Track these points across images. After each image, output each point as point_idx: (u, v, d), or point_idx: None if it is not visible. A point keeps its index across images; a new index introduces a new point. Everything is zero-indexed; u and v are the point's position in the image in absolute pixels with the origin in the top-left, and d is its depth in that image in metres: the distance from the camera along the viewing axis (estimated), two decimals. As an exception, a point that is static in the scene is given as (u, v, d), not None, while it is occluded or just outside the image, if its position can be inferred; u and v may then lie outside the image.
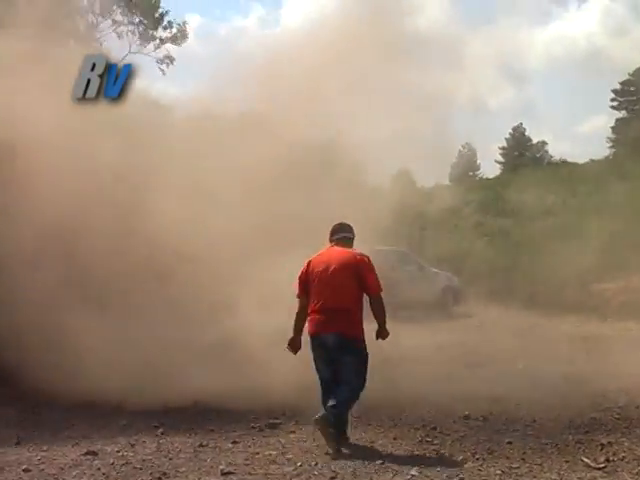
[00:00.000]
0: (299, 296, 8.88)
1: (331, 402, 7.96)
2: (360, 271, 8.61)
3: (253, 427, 8.66)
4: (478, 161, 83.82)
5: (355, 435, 8.21)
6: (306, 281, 8.83)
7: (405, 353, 13.65)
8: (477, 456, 7.39)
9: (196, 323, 15.08)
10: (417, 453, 7.50)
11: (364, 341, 8.46)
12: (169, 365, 11.89)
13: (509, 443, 7.88)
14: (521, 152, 77.43)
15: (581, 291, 26.05)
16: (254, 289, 18.07)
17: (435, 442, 7.98)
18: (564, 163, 56.18)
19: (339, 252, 8.85)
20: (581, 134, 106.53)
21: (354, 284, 8.57)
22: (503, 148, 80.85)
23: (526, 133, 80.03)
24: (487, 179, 60.07)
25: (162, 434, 8.37)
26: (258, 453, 7.56)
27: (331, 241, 9.10)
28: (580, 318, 23.52)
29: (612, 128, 73.57)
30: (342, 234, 9.06)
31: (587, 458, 7.25)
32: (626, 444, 7.81)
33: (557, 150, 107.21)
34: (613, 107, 74.54)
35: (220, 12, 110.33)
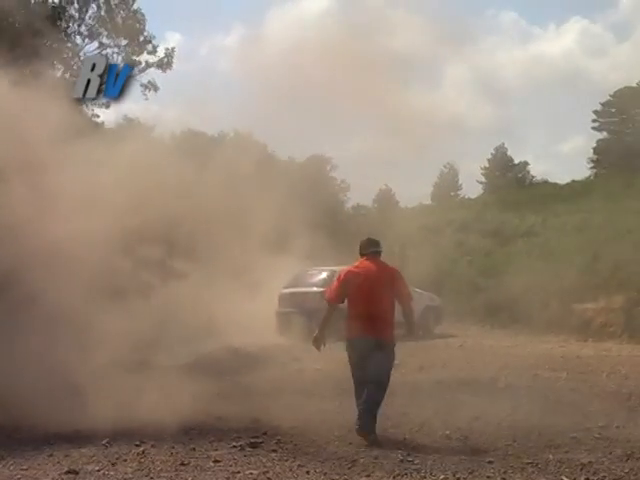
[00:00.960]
0: (332, 302, 10.12)
1: (364, 396, 9.37)
2: (395, 283, 10.03)
3: (234, 446, 8.64)
4: (460, 181, 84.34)
5: (336, 455, 8.23)
6: (344, 290, 10.02)
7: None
8: (458, 475, 7.41)
9: (175, 343, 15.14)
10: (398, 472, 7.49)
11: (394, 342, 9.83)
12: (149, 384, 11.91)
13: (490, 462, 7.90)
14: (503, 172, 77.75)
15: (562, 311, 26.12)
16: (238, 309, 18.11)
17: (416, 461, 7.98)
18: (545, 183, 56.49)
19: (376, 265, 10.09)
20: (562, 154, 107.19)
21: (390, 294, 9.91)
22: (485, 168, 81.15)
23: (508, 153, 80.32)
24: (469, 199, 60.37)
25: (143, 453, 8.35)
26: (239, 472, 7.55)
27: (362, 255, 10.28)
28: (561, 338, 23.63)
29: (593, 149, 74.05)
30: (374, 249, 10.26)
31: (567, 477, 7.29)
32: (606, 463, 7.85)
33: (538, 170, 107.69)
34: (594, 128, 75.03)
35: (201, 30, 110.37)
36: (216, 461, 7.99)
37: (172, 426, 9.60)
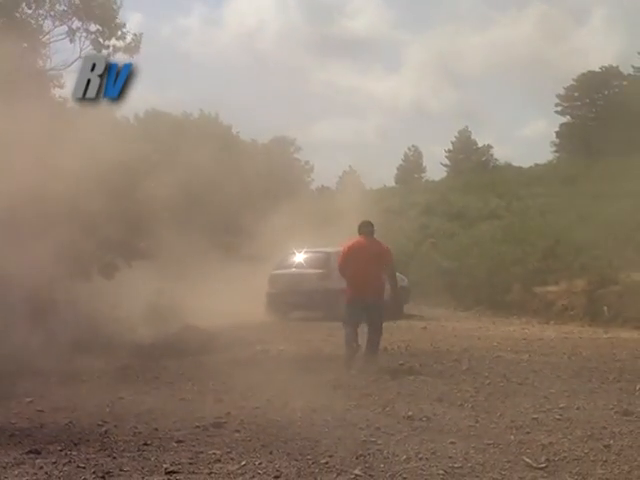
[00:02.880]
0: (340, 268, 13.81)
1: (367, 338, 13.36)
2: (385, 257, 13.65)
3: (198, 426, 8.60)
4: (424, 164, 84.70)
5: (300, 435, 8.23)
6: (347, 259, 13.57)
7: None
8: (420, 456, 7.42)
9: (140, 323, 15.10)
10: (361, 453, 7.49)
11: (383, 298, 13.65)
12: (111, 364, 11.88)
13: (452, 443, 7.92)
14: (467, 155, 78.09)
15: (524, 294, 26.29)
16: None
17: (379, 442, 7.99)
18: (509, 167, 56.80)
19: (369, 242, 13.61)
20: (524, 138, 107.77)
21: (380, 265, 13.50)
22: (449, 151, 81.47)
23: (472, 137, 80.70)
24: (433, 182, 60.62)
25: (106, 433, 8.29)
26: (202, 452, 7.52)
27: (360, 233, 13.71)
28: (523, 321, 23.80)
29: (556, 133, 74.44)
30: (369, 228, 13.74)
31: (528, 458, 7.31)
32: (566, 444, 7.90)
33: (501, 153, 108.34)
34: (557, 112, 75.37)
35: (162, 11, 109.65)
36: (179, 441, 7.95)
37: (134, 406, 9.58)
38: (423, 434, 8.36)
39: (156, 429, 8.48)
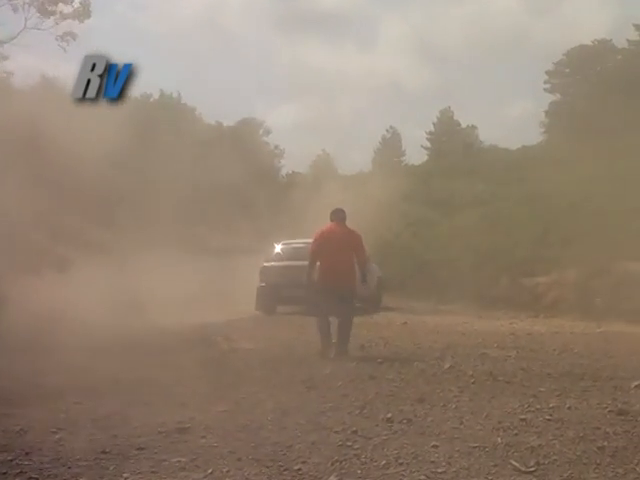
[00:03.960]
0: (312, 255, 14.61)
1: (337, 331, 14.20)
2: (356, 244, 14.56)
3: (160, 432, 8.56)
4: (403, 147, 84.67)
5: (270, 440, 8.22)
6: (318, 246, 14.47)
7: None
8: (400, 460, 7.42)
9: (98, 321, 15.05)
10: (337, 458, 7.48)
11: (355, 287, 14.66)
12: (65, 366, 11.83)
13: (435, 446, 7.94)
14: (449, 137, 78.04)
15: (512, 286, 26.38)
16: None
17: (356, 446, 7.98)
18: (495, 149, 56.85)
19: (342, 229, 14.58)
20: (511, 118, 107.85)
21: (351, 252, 14.40)
22: (430, 133, 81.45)
23: (454, 117, 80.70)
24: (413, 166, 60.67)
25: (60, 440, 8.25)
26: (166, 460, 7.48)
27: (332, 219, 14.66)
28: (511, 315, 23.87)
29: (545, 112, 74.41)
30: (340, 215, 14.70)
31: (516, 461, 7.33)
32: (557, 446, 7.93)
33: (487, 135, 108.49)
34: (546, 90, 75.30)
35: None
36: (140, 448, 7.91)
37: (92, 411, 9.53)
38: (403, 437, 8.36)
39: (115, 435, 8.44)
